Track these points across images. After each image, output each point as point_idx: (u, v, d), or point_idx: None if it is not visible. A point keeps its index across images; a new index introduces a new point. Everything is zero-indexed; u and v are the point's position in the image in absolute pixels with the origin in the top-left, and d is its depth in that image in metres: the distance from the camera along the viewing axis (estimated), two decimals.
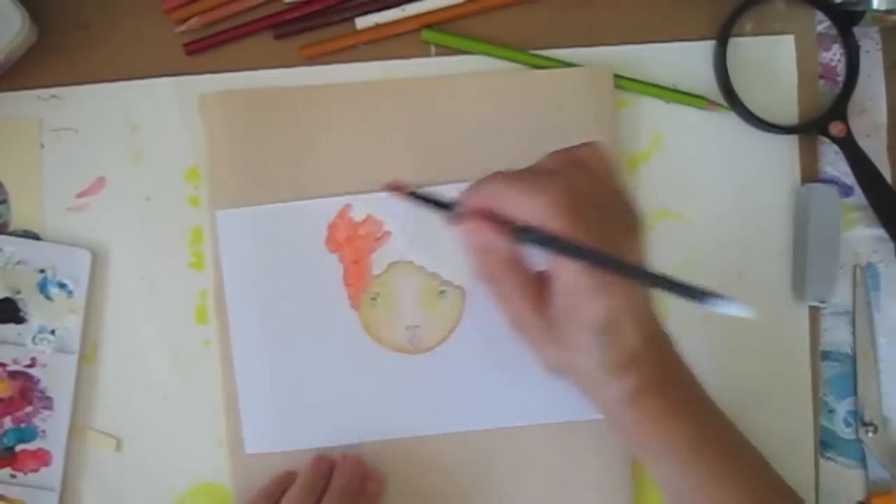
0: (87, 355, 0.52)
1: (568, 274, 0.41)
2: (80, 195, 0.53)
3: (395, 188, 0.45)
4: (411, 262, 0.52)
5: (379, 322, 0.52)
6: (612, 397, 0.43)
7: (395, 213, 0.52)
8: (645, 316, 0.43)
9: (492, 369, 0.52)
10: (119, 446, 0.52)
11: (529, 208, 0.41)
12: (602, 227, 0.41)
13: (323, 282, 0.52)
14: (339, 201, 0.52)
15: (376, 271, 0.52)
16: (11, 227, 0.52)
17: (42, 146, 0.53)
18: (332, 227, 0.52)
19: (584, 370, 0.43)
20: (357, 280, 0.52)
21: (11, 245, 0.52)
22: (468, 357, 0.52)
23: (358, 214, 0.52)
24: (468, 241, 0.44)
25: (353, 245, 0.52)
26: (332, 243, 0.52)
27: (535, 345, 0.44)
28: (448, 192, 0.50)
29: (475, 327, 0.52)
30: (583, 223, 0.40)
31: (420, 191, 0.45)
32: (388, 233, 0.52)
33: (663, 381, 0.44)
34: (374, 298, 0.52)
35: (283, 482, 0.50)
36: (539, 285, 0.43)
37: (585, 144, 0.44)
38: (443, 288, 0.52)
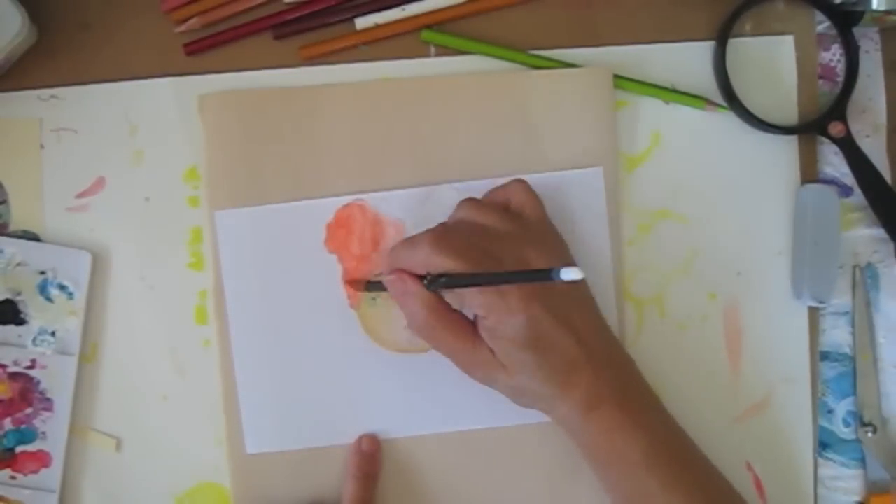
0: (88, 355, 0.52)
1: (475, 301, 0.44)
2: (80, 195, 0.53)
3: (353, 286, 0.51)
4: None
5: (379, 322, 0.52)
6: (567, 412, 0.46)
7: (394, 213, 0.52)
8: (578, 325, 0.45)
9: None
10: (119, 446, 0.53)
11: (417, 260, 0.45)
12: (484, 249, 0.45)
13: (322, 282, 0.52)
14: (339, 201, 0.52)
15: (376, 271, 0.52)
16: (11, 228, 0.52)
17: (42, 146, 0.53)
18: (331, 227, 0.52)
19: (535, 391, 0.46)
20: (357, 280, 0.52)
21: (12, 246, 0.52)
22: None
23: (357, 214, 0.52)
24: (394, 293, 0.47)
25: (352, 245, 0.52)
26: (332, 243, 0.52)
27: (492, 378, 0.46)
28: (446, 191, 0.51)
29: None
30: (453, 248, 0.44)
31: (370, 281, 0.51)
32: (387, 233, 0.52)
33: (614, 390, 0.46)
34: (373, 298, 0.52)
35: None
36: (472, 327, 0.46)
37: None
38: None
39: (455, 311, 0.47)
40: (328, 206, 0.52)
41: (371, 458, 0.51)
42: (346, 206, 0.52)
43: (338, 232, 0.52)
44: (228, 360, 0.52)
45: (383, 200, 0.52)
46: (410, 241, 0.46)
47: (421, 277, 0.45)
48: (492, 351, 0.45)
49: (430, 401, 0.52)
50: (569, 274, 0.37)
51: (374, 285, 0.51)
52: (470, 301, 0.45)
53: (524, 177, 0.50)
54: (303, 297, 0.52)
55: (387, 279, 0.47)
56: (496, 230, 0.46)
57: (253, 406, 0.52)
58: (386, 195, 0.52)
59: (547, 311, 0.44)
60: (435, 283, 0.44)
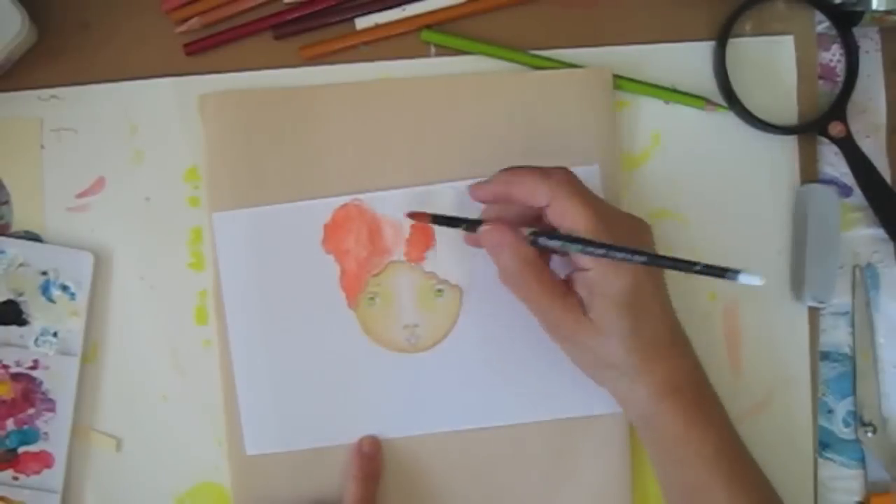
0: (88, 356, 0.52)
1: (588, 257, 0.43)
2: (81, 195, 0.53)
3: (417, 216, 0.49)
4: (408, 261, 0.52)
5: (377, 322, 0.52)
6: (644, 389, 0.45)
7: (392, 213, 0.52)
8: (669, 309, 0.45)
9: (491, 367, 0.52)
10: (119, 446, 0.53)
11: (539, 191, 0.44)
12: (612, 215, 0.44)
13: (320, 283, 0.52)
14: (336, 202, 0.52)
15: (374, 271, 0.52)
16: (13, 228, 0.52)
17: (42, 146, 0.53)
18: (328, 228, 0.52)
19: (618, 360, 0.44)
20: (355, 281, 0.52)
21: (14, 247, 0.52)
22: (467, 355, 0.52)
23: (355, 214, 0.52)
24: (489, 243, 0.45)
25: (350, 245, 0.52)
26: (329, 244, 0.52)
27: (574, 338, 0.45)
28: (445, 190, 0.51)
29: (473, 326, 0.52)
30: (592, 206, 0.43)
31: (440, 215, 0.49)
32: (385, 232, 0.52)
33: (693, 378, 0.46)
34: (371, 298, 0.52)
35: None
36: (564, 285, 0.45)
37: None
38: (440, 287, 0.52)
39: (549, 269, 0.45)
40: (325, 207, 0.52)
41: (372, 460, 0.51)
42: (344, 206, 0.52)
43: (336, 232, 0.52)
44: (228, 361, 0.52)
45: (381, 200, 0.52)
46: (539, 174, 0.44)
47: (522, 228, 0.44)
48: (583, 309, 0.44)
49: (429, 400, 0.52)
50: (747, 279, 0.36)
51: (443, 219, 0.48)
52: (576, 253, 0.44)
53: None
54: (301, 297, 0.52)
55: (483, 230, 0.45)
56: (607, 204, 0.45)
57: (252, 407, 0.52)
58: (383, 195, 0.52)
59: (651, 282, 0.44)
60: (545, 240, 0.43)
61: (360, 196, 0.52)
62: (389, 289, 0.52)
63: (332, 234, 0.52)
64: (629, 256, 0.42)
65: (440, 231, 0.52)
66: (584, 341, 0.45)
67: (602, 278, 0.43)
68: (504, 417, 0.52)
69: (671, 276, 0.53)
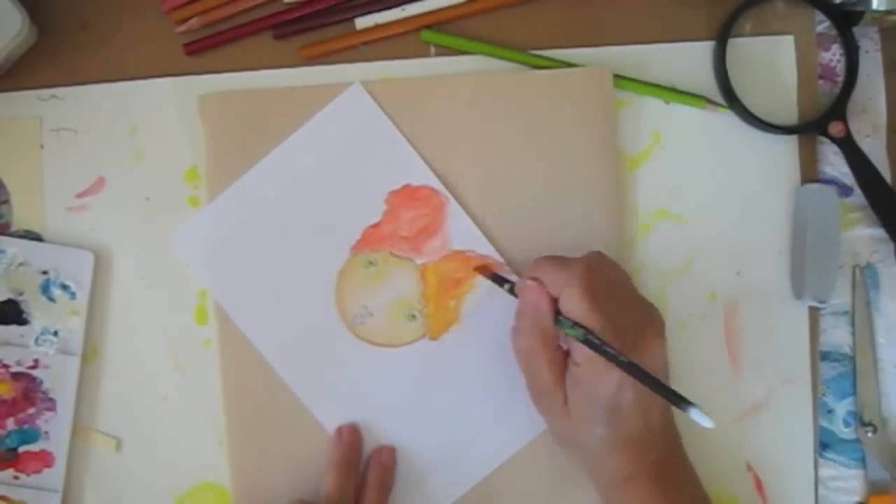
0: (88, 355, 0.52)
1: (580, 348, 0.44)
2: (80, 195, 0.53)
3: (482, 269, 0.52)
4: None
5: (366, 290, 0.52)
6: (609, 475, 0.46)
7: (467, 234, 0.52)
8: (654, 408, 0.45)
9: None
10: (119, 446, 0.53)
11: (554, 282, 0.45)
12: (620, 314, 0.45)
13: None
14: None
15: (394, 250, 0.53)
16: (13, 228, 0.52)
17: (42, 146, 0.53)
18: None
19: (588, 443, 0.46)
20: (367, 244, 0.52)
21: (14, 247, 0.52)
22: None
23: (428, 195, 0.52)
24: (527, 297, 0.47)
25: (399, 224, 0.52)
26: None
27: (551, 414, 0.47)
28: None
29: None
30: (599, 305, 0.44)
31: (497, 274, 0.51)
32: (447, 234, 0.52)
33: (656, 465, 0.46)
34: (371, 263, 0.52)
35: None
36: (562, 370, 0.46)
37: (591, 253, 0.48)
38: (413, 312, 0.52)
39: (558, 347, 0.47)
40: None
41: (351, 448, 0.51)
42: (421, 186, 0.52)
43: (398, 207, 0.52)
44: (228, 358, 0.52)
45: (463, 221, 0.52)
46: (560, 264, 0.46)
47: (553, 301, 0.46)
48: (565, 398, 0.46)
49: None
50: (698, 416, 0.38)
51: (499, 279, 0.50)
52: (574, 345, 0.45)
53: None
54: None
55: (528, 284, 0.46)
56: (623, 297, 0.47)
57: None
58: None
59: (635, 392, 0.44)
60: (567, 327, 0.45)
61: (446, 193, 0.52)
62: (389, 270, 0.52)
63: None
64: (616, 358, 0.43)
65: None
66: (556, 419, 0.47)
67: (588, 375, 0.44)
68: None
69: (672, 276, 0.53)
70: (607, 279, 0.46)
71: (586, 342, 0.44)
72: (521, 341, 0.47)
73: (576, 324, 0.44)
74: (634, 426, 0.45)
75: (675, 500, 0.46)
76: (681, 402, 0.40)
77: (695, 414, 0.39)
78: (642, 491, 0.45)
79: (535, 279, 0.46)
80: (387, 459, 0.52)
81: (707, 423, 0.38)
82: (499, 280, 0.51)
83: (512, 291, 0.49)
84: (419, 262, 0.52)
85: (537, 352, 0.46)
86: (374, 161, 0.52)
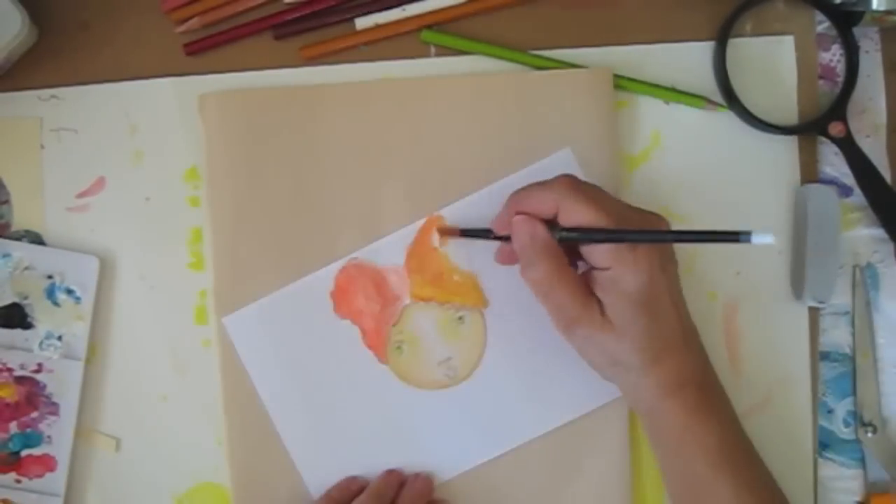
0: (88, 356, 0.52)
1: (603, 251, 0.44)
2: (81, 195, 0.53)
3: (446, 231, 0.51)
4: (421, 299, 0.52)
5: (412, 367, 0.52)
6: (652, 384, 0.45)
7: (390, 260, 0.52)
8: (681, 305, 0.46)
9: (525, 379, 0.52)
10: (119, 446, 0.53)
11: (545, 201, 0.45)
12: (621, 210, 0.44)
13: (346, 349, 0.52)
14: (334, 268, 0.52)
15: (392, 321, 0.52)
16: (13, 228, 0.52)
17: (42, 146, 0.53)
18: (335, 295, 0.52)
19: (628, 359, 0.45)
20: (377, 336, 0.52)
21: (19, 250, 0.52)
22: (504, 373, 0.52)
23: (355, 273, 0.52)
24: (519, 233, 0.46)
25: (361, 304, 0.52)
26: (341, 309, 0.52)
27: (590, 334, 0.45)
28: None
29: (502, 342, 0.52)
30: (600, 202, 0.44)
31: (470, 228, 0.51)
32: (389, 280, 0.52)
33: (701, 374, 0.46)
34: (398, 347, 0.52)
35: (348, 487, 0.51)
36: (585, 284, 0.45)
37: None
38: (460, 314, 0.52)
39: (569, 266, 0.46)
40: (326, 276, 0.52)
41: (394, 489, 0.51)
42: (343, 269, 0.52)
43: (344, 297, 0.52)
44: (229, 361, 0.52)
45: (376, 252, 0.52)
46: (542, 186, 0.46)
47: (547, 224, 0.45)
48: (601, 308, 0.45)
49: (478, 426, 0.52)
50: (759, 238, 0.36)
51: (472, 232, 0.50)
52: (596, 251, 0.44)
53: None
54: (332, 368, 0.52)
55: (515, 220, 0.46)
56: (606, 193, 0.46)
57: (311, 472, 0.52)
58: (376, 246, 0.52)
59: (667, 279, 0.44)
60: (568, 236, 0.44)
61: (355, 254, 0.52)
62: (413, 332, 0.52)
63: (341, 299, 0.52)
64: (650, 237, 0.43)
65: (441, 260, 0.52)
66: (598, 339, 0.45)
67: (620, 276, 0.44)
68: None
69: None
70: (593, 187, 0.46)
71: (606, 239, 0.43)
72: (532, 271, 0.45)
73: (583, 230, 0.44)
74: (672, 319, 0.45)
75: (720, 411, 0.46)
76: (732, 235, 0.38)
77: (756, 238, 0.37)
78: (688, 402, 0.45)
79: (520, 213, 0.46)
80: (422, 487, 0.51)
81: (769, 240, 0.37)
82: (472, 234, 0.50)
83: (492, 236, 0.48)
84: (410, 302, 0.52)
85: (554, 274, 0.45)
86: None
